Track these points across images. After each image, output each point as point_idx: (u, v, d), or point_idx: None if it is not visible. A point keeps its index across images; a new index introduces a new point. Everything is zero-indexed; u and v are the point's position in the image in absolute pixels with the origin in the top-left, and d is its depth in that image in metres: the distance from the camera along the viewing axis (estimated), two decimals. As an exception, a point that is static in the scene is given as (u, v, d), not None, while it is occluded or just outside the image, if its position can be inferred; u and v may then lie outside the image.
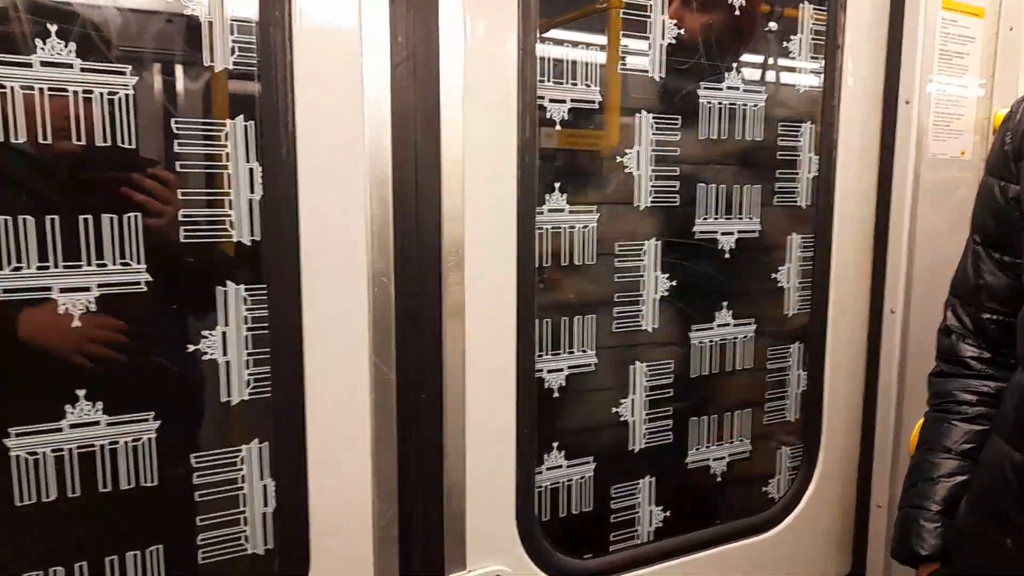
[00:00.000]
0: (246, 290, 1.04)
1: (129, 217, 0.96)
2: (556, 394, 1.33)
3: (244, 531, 1.09)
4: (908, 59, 1.57)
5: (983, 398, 1.36)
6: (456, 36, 1.13)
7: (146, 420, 1.00)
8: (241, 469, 1.08)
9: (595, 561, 1.39)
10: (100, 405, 0.97)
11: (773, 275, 1.58)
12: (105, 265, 0.95)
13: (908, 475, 1.44)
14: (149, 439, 1.01)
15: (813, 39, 1.55)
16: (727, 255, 1.49)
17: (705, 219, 1.46)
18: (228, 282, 1.03)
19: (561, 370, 1.34)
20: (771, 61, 1.57)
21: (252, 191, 1.03)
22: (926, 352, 1.53)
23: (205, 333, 1.03)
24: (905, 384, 1.64)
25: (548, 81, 1.25)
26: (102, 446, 0.98)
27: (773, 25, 1.55)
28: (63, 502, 0.96)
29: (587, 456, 1.38)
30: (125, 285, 0.97)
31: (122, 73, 0.94)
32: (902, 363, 1.64)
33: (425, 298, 1.15)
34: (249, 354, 1.06)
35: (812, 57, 1.55)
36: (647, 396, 1.43)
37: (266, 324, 1.06)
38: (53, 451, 0.95)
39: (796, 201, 1.58)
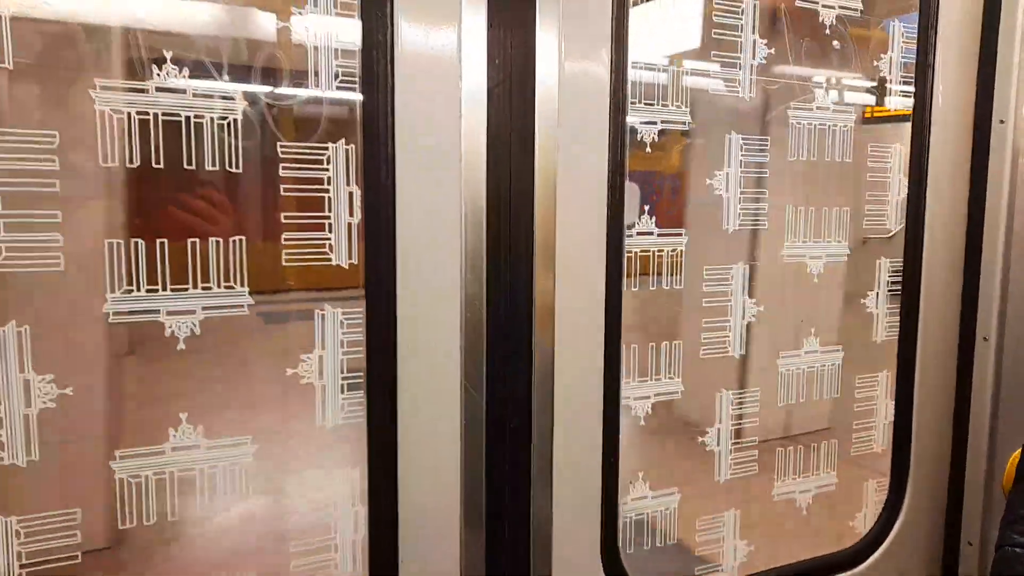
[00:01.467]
0: (343, 314, 1.04)
1: (233, 241, 0.96)
2: (642, 422, 1.30)
3: (334, 558, 1.08)
4: (1003, 78, 1.52)
5: None
6: (551, 59, 1.12)
7: (244, 444, 1.00)
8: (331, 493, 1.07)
9: (679, 595, 1.35)
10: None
11: (862, 300, 1.53)
12: (210, 288, 0.96)
13: (1007, 510, 1.38)
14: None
15: (903, 57, 1.51)
16: (815, 279, 1.45)
17: (793, 242, 1.42)
18: (326, 305, 1.03)
19: (648, 397, 1.31)
20: (860, 80, 1.53)
21: (352, 214, 1.02)
22: (1022, 381, 1.47)
23: (303, 357, 1.02)
24: (999, 415, 1.57)
25: (640, 103, 1.23)
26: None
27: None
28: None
29: (672, 487, 1.35)
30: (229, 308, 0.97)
31: (231, 98, 0.94)
32: (995, 393, 1.57)
33: (516, 324, 1.14)
34: (343, 378, 1.05)
35: (903, 78, 1.51)
36: (732, 425, 1.39)
37: (361, 348, 1.05)
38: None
39: (885, 223, 1.53)
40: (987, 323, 1.56)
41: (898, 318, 1.55)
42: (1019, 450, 1.46)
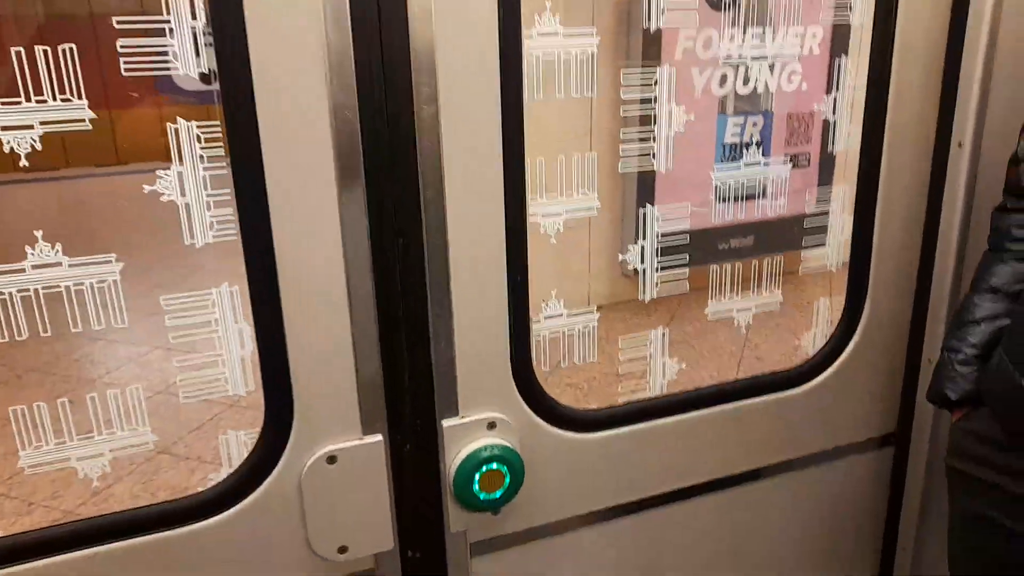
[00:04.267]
0: (198, 127, 0.99)
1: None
2: (553, 239, 1.25)
3: (223, 372, 1.09)
4: None
5: None
6: None
7: (109, 263, 1.00)
8: (214, 312, 1.07)
9: (603, 411, 1.35)
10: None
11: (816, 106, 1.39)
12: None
13: (954, 316, 1.32)
14: (114, 281, 1.01)
15: None
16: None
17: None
18: (178, 119, 0.98)
19: (560, 215, 1.24)
20: None
21: (195, 17, 0.95)
22: (996, 192, 1.34)
23: (160, 173, 0.99)
24: (970, 229, 1.45)
25: None
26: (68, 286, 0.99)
27: None
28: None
29: (589, 306, 1.31)
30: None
31: None
32: (967, 205, 1.44)
33: (396, 131, 1.07)
34: (208, 195, 1.02)
35: None
36: (659, 243, 1.32)
37: (224, 164, 1.01)
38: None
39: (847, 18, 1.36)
40: (963, 127, 1.41)
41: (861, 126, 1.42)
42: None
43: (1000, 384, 1.18)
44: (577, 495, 1.35)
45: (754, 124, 2.92)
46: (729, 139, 2.71)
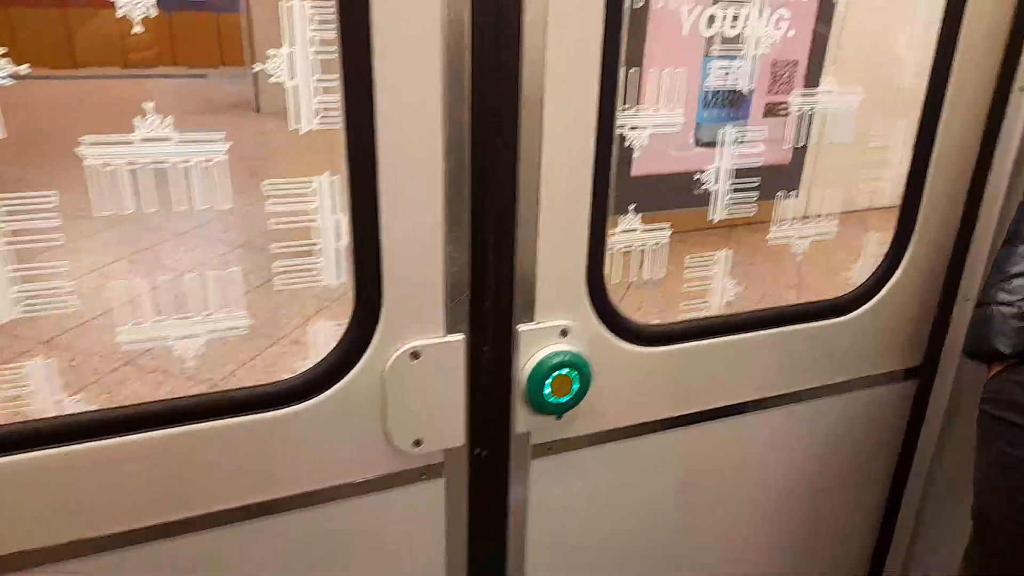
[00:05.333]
0: (311, 7, 0.97)
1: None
2: (636, 153, 1.26)
3: (318, 262, 1.10)
4: None
5: None
6: None
7: (217, 140, 0.99)
8: (313, 201, 1.07)
9: (664, 327, 1.38)
10: (171, 123, 0.95)
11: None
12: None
13: (995, 268, 1.36)
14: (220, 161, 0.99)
15: None
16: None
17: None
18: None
19: (645, 127, 1.25)
20: None
21: None
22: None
23: (271, 52, 0.97)
24: (1020, 173, 1.49)
25: None
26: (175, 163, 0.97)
27: None
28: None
29: (664, 222, 1.33)
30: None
31: None
32: (1021, 151, 1.48)
33: (502, 40, 1.05)
34: (319, 80, 1.00)
35: None
36: (733, 164, 1.34)
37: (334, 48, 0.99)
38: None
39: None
40: (1028, 72, 1.44)
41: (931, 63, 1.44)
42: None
43: None
44: (633, 406, 1.39)
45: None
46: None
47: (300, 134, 1.01)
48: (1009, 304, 1.30)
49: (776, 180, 1.51)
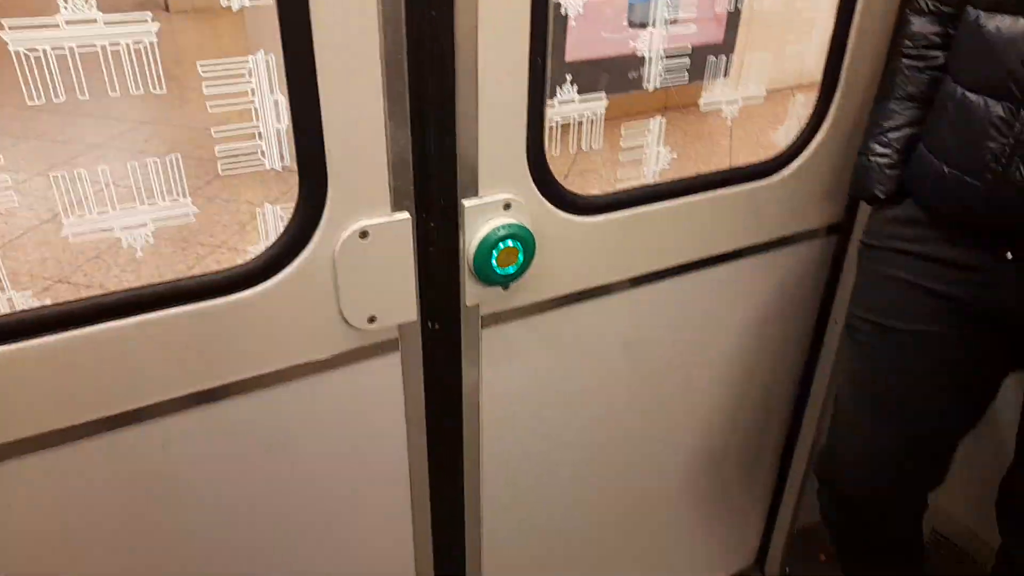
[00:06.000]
0: None
1: None
2: (573, 23, 1.26)
3: (259, 144, 1.09)
4: None
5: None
6: None
7: (144, 21, 0.95)
8: (250, 82, 1.05)
9: (601, 197, 1.44)
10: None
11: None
12: None
13: (872, 120, 1.53)
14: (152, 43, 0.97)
15: None
16: None
17: None
18: None
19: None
20: None
21: None
22: None
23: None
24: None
25: None
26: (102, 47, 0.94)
27: None
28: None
29: (598, 91, 1.35)
30: None
31: None
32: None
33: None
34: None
35: None
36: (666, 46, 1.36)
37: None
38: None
39: None
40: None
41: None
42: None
43: (924, 174, 1.41)
44: (576, 273, 1.46)
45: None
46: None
47: (233, 11, 0.98)
48: (883, 155, 1.48)
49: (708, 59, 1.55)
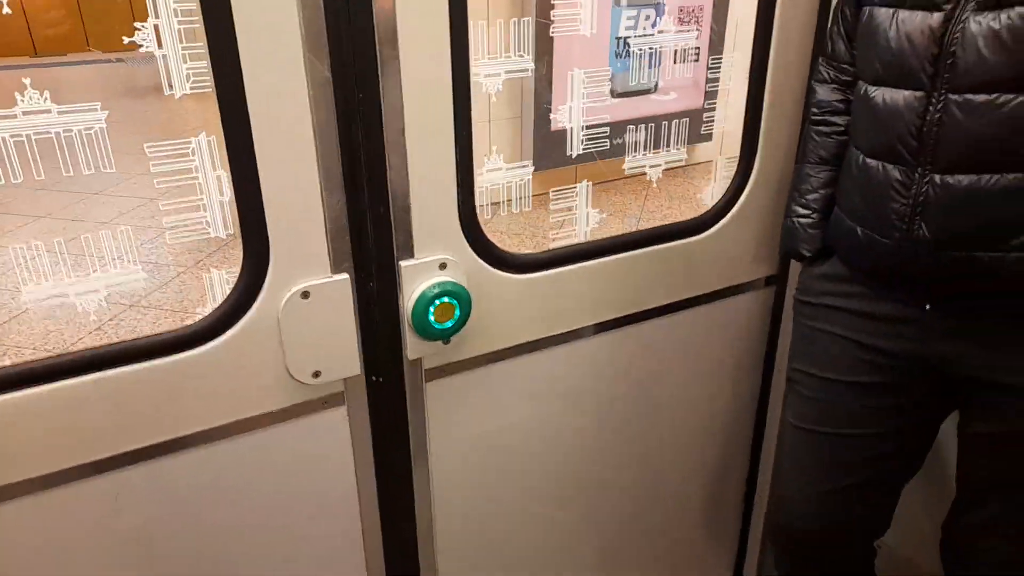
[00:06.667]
0: (172, -18, 1.06)
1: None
2: (494, 99, 1.39)
3: (205, 216, 1.21)
4: None
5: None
6: None
7: (94, 111, 1.08)
8: (194, 160, 1.17)
9: (533, 255, 1.54)
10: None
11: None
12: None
13: (794, 185, 1.63)
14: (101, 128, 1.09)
15: None
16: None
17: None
18: (153, -28, 1.05)
19: (499, 75, 1.39)
20: None
21: None
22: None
23: (138, 26, 1.06)
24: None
25: None
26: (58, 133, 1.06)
27: None
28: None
29: (526, 160, 1.47)
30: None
31: None
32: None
33: (353, 4, 1.16)
34: (184, 48, 1.10)
35: None
36: (584, 103, 1.49)
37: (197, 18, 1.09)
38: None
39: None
40: None
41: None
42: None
43: (842, 234, 1.51)
44: (514, 328, 1.56)
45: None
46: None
47: (176, 99, 1.11)
48: (805, 216, 1.59)
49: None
